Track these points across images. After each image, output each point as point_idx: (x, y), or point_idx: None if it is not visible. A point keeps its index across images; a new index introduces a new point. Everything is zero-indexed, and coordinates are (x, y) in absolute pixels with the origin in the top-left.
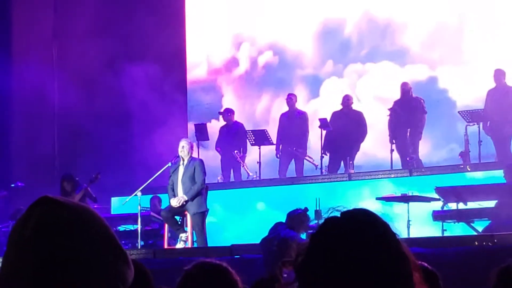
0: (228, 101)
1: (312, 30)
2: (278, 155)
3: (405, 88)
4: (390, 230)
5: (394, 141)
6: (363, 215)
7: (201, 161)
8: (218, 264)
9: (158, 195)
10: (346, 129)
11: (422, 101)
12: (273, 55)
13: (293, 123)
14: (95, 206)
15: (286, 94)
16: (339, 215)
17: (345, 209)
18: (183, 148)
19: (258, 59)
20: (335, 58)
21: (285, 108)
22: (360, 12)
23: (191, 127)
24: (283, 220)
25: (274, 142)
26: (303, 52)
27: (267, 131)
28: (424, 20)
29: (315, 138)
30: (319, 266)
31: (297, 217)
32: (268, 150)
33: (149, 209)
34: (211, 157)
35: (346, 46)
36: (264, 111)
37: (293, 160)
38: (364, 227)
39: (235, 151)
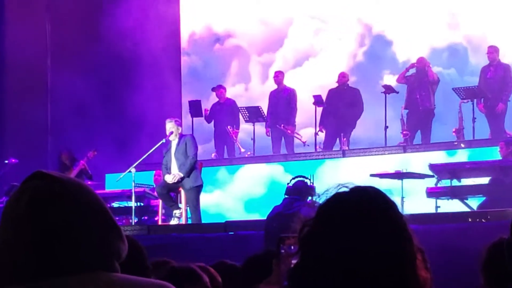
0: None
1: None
2: (268, 133)
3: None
4: (398, 210)
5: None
6: (372, 192)
7: (192, 136)
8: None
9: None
10: (342, 106)
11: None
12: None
13: (281, 100)
14: (89, 183)
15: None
16: (347, 191)
17: (354, 186)
18: (169, 129)
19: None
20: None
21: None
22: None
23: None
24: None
25: None
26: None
27: (261, 108)
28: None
29: (309, 115)
30: (324, 239)
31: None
32: (263, 127)
33: (144, 185)
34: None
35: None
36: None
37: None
38: (372, 204)
39: (228, 127)
